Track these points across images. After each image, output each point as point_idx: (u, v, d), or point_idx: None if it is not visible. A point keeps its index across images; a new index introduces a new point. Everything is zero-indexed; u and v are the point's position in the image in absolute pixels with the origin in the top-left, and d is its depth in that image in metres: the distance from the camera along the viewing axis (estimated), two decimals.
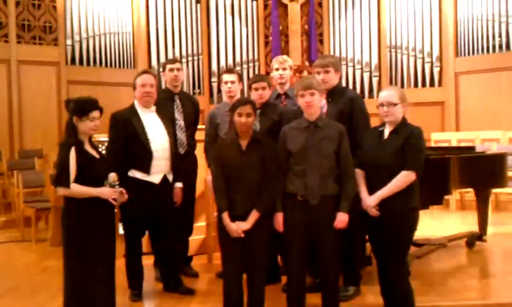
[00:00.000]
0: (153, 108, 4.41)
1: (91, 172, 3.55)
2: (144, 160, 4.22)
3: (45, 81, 10.12)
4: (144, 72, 4.52)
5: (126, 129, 4.25)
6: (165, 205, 4.33)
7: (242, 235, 3.58)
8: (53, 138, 10.05)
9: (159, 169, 4.27)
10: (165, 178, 4.32)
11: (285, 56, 5.15)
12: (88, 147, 3.62)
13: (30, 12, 10.06)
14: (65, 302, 3.63)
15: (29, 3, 10.04)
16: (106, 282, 3.64)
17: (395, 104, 3.56)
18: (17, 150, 9.68)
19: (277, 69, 4.82)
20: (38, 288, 4.83)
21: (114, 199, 3.60)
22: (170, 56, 10.99)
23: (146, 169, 4.22)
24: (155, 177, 4.26)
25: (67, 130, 3.63)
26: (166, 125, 4.40)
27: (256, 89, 4.49)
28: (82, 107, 3.58)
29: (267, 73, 10.46)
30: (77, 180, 3.49)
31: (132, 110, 4.37)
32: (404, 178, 3.48)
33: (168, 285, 4.54)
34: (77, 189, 3.49)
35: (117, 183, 3.63)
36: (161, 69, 5.19)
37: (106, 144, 4.58)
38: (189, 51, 11.38)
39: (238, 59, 11.40)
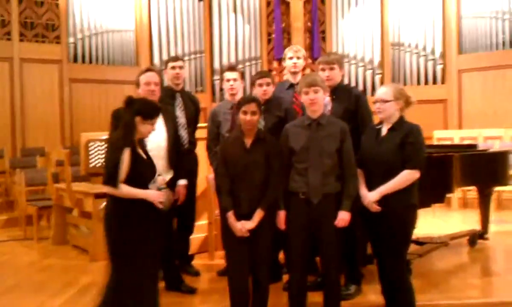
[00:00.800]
0: None
1: (139, 174, 3.51)
2: None
3: (47, 79, 10.12)
4: (149, 69, 4.50)
5: None
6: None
7: (247, 234, 3.59)
8: (55, 136, 10.09)
9: None
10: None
11: (298, 46, 5.10)
12: (138, 148, 3.61)
13: (33, 10, 10.07)
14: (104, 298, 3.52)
15: (32, 1, 10.04)
16: (145, 285, 3.54)
17: (386, 101, 3.58)
18: (20, 148, 9.70)
19: (290, 58, 4.75)
20: (40, 286, 4.85)
21: (160, 202, 3.54)
22: (172, 54, 10.97)
23: None
24: None
25: (125, 128, 3.56)
26: (167, 124, 4.37)
27: (261, 85, 4.44)
28: (150, 111, 3.61)
29: (270, 70, 10.47)
30: (125, 180, 3.46)
31: None
32: (407, 176, 3.48)
33: (169, 284, 4.54)
34: (125, 190, 3.44)
35: (164, 187, 3.63)
36: (163, 67, 5.19)
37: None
38: (192, 49, 11.35)
39: (240, 56, 11.36)
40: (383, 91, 3.65)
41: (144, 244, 3.47)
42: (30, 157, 9.15)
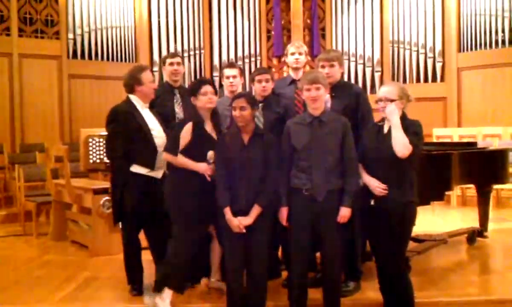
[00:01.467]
0: (147, 104, 4.40)
1: (198, 147, 3.88)
2: (149, 155, 4.19)
3: (46, 74, 10.12)
4: (148, 68, 4.51)
5: (129, 123, 4.21)
6: (163, 200, 4.31)
7: (244, 230, 3.59)
8: (54, 132, 10.09)
9: (161, 164, 4.26)
10: (164, 173, 4.31)
11: (300, 41, 5.08)
12: (208, 126, 3.97)
13: (32, 5, 10.06)
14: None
15: None
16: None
17: (392, 100, 3.56)
18: (19, 144, 9.69)
19: (292, 54, 4.73)
20: (39, 282, 4.85)
21: (209, 175, 3.83)
22: (172, 50, 10.97)
23: (151, 165, 4.20)
24: (158, 172, 4.26)
25: (190, 111, 4.10)
26: (160, 122, 4.39)
27: (260, 81, 4.45)
28: (192, 87, 4.07)
29: (269, 68, 10.46)
30: (186, 153, 3.87)
31: (131, 105, 4.33)
32: (406, 140, 3.45)
33: None
34: (180, 160, 3.88)
35: (213, 161, 3.85)
36: (162, 63, 5.19)
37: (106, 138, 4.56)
38: (191, 46, 11.35)
39: (240, 53, 11.36)
40: (387, 90, 3.61)
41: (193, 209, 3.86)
42: (29, 153, 9.15)
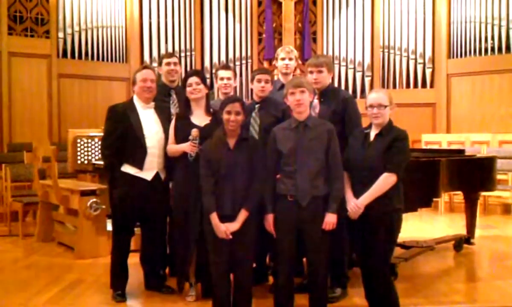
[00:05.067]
0: (152, 104, 4.39)
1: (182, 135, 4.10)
2: (138, 155, 4.19)
3: (36, 73, 10.03)
4: (145, 67, 4.50)
5: (122, 122, 4.23)
6: (155, 203, 4.30)
7: (230, 236, 3.57)
8: (43, 132, 10.00)
9: (152, 165, 4.24)
10: (157, 175, 4.29)
11: (291, 46, 5.10)
12: (195, 117, 4.15)
13: (22, 3, 9.97)
14: None
15: None
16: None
17: (385, 106, 3.56)
18: (6, 143, 9.60)
19: (283, 59, 4.75)
20: (24, 283, 4.81)
21: (190, 154, 3.99)
22: (162, 51, 10.92)
23: (140, 165, 4.19)
24: (147, 174, 4.23)
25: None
26: (163, 123, 4.37)
27: (259, 80, 4.42)
28: (184, 78, 4.27)
29: None
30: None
31: (130, 104, 4.35)
32: (386, 180, 3.46)
33: (148, 284, 4.51)
34: (169, 148, 4.20)
35: (195, 138, 3.99)
36: (154, 64, 5.18)
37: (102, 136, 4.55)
38: (182, 47, 11.31)
39: (231, 55, 11.34)
40: (380, 96, 3.59)
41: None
42: (16, 152, 9.07)
